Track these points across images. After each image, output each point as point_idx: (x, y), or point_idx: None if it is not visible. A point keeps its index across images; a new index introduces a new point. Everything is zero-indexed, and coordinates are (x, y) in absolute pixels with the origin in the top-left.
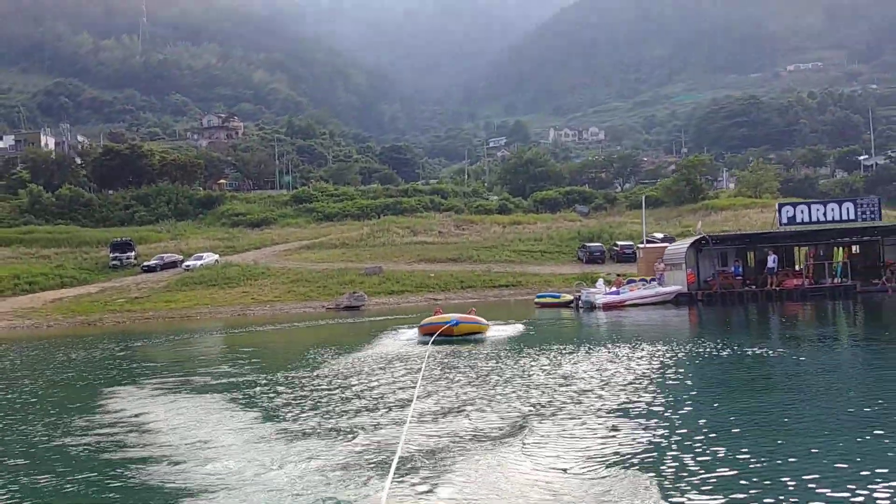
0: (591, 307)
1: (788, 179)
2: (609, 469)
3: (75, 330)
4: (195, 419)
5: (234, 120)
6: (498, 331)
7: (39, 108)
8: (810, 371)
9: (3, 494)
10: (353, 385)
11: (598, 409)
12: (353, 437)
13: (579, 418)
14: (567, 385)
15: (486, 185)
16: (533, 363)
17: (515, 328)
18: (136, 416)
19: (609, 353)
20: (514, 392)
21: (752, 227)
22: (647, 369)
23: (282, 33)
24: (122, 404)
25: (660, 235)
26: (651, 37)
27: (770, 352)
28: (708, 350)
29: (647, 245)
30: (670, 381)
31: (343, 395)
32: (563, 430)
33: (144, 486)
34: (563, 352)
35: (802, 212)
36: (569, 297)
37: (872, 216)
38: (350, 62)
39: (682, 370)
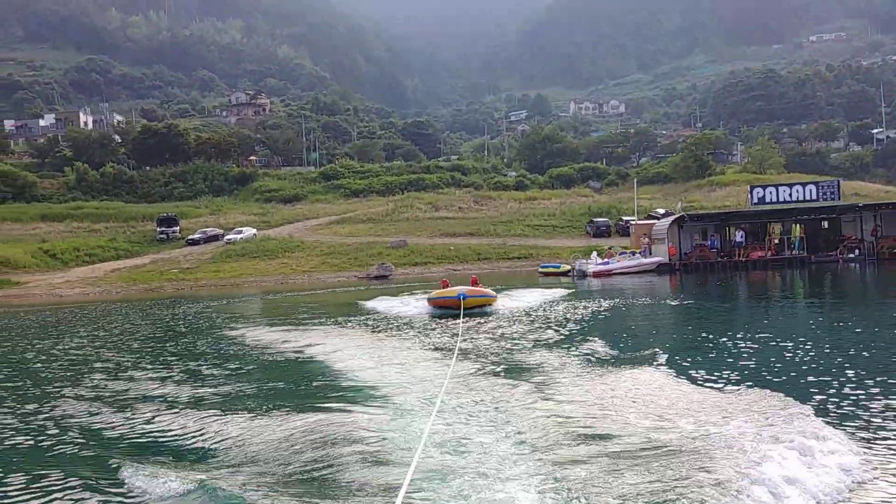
0: (584, 275)
1: (801, 154)
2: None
3: (142, 295)
4: (301, 334)
5: (262, 97)
6: (506, 302)
7: (72, 84)
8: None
9: (215, 374)
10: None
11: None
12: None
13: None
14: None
15: (504, 160)
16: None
17: (522, 299)
18: (262, 337)
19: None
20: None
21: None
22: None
23: (304, 5)
24: (246, 332)
25: (661, 211)
26: (673, 7)
27: (720, 303)
28: (675, 302)
29: (638, 222)
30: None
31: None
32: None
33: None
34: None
35: (771, 193)
36: (567, 267)
37: (832, 196)
38: (372, 34)
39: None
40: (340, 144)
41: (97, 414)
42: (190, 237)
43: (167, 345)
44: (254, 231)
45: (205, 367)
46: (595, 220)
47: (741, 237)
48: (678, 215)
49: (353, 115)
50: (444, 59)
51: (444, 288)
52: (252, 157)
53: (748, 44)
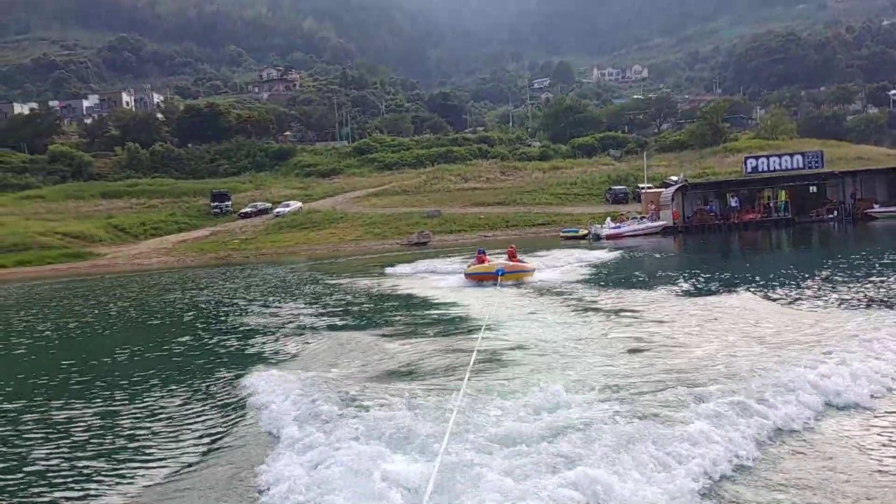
0: (598, 238)
1: (817, 117)
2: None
3: (215, 262)
4: (384, 281)
5: (292, 72)
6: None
7: (105, 63)
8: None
9: (341, 305)
10: None
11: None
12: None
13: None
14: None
15: (528, 130)
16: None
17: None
18: (357, 283)
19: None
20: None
21: None
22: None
23: None
24: (342, 281)
25: (675, 178)
26: None
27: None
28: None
29: (649, 189)
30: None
31: None
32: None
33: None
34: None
35: (763, 162)
36: (585, 231)
37: (816, 165)
38: (394, 4)
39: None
40: (370, 118)
41: (255, 335)
42: (242, 211)
43: (293, 290)
44: (300, 204)
45: (329, 300)
46: (613, 187)
47: (736, 202)
48: (681, 184)
49: (381, 88)
50: (466, 28)
51: (479, 263)
52: (287, 133)
53: (772, 5)
